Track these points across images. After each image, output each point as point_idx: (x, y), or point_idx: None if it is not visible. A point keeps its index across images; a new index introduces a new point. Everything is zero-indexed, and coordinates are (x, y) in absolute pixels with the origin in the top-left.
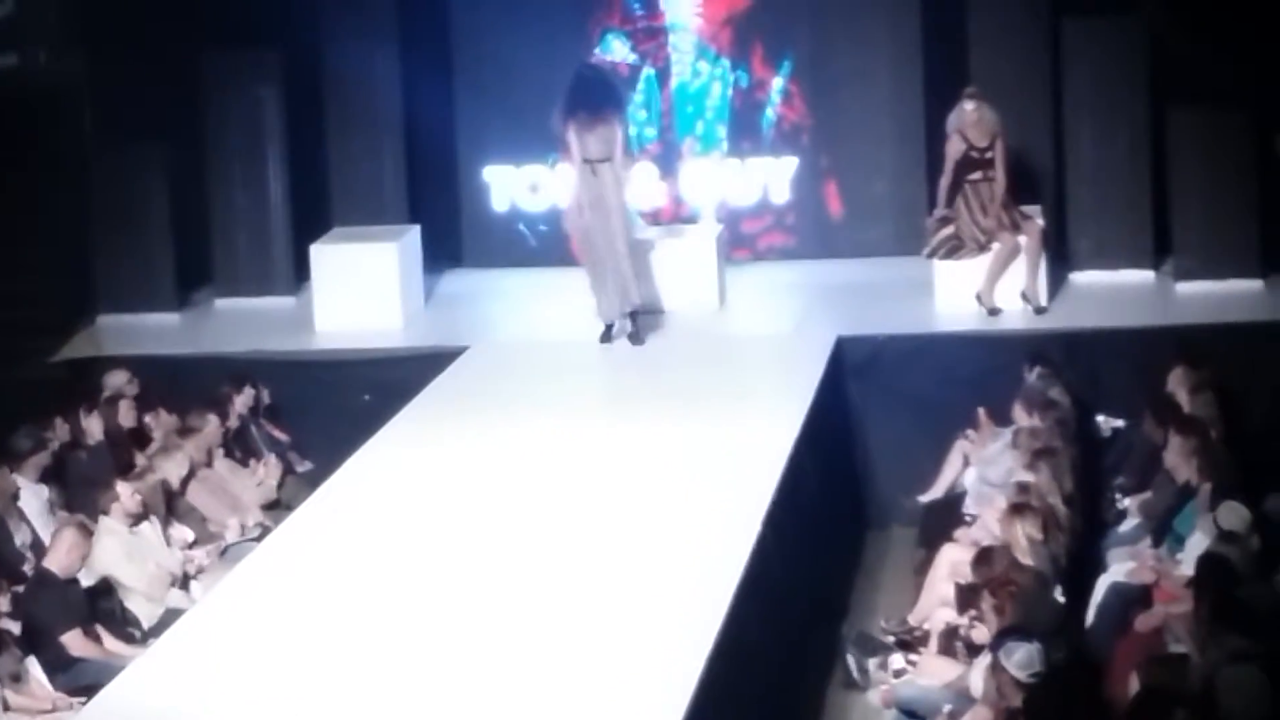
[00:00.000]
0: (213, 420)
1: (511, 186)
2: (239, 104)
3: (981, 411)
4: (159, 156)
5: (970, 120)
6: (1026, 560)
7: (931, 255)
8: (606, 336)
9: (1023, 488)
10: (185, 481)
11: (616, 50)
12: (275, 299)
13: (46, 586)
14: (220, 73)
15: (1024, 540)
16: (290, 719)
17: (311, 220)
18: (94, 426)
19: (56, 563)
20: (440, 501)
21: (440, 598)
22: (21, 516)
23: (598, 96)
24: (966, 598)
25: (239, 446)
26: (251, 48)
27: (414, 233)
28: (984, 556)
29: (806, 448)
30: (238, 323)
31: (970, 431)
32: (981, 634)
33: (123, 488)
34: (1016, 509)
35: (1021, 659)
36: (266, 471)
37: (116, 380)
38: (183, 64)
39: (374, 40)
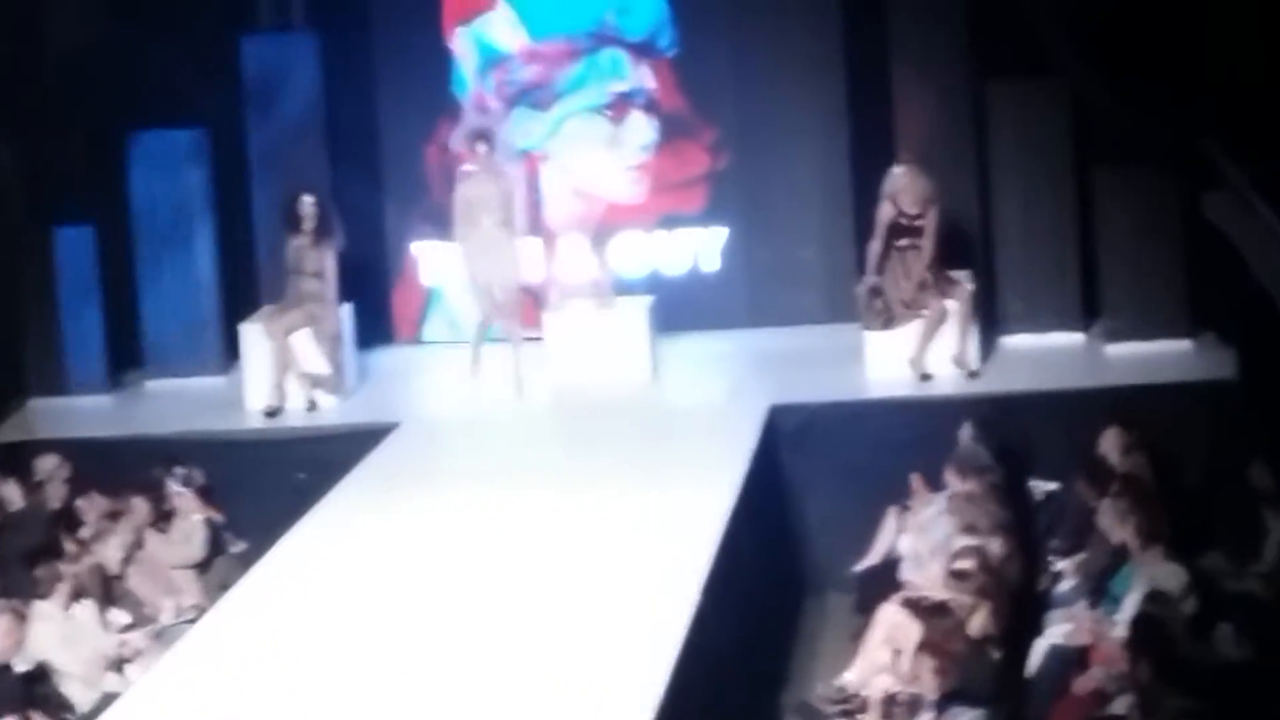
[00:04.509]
0: (142, 502)
1: (439, 261)
2: (166, 184)
3: (915, 477)
4: (87, 239)
5: (901, 185)
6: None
7: (868, 328)
8: None
9: (959, 552)
10: (123, 565)
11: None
12: (206, 379)
13: None
14: (147, 153)
15: (965, 602)
16: None
17: (241, 299)
18: (13, 494)
19: None
20: (375, 576)
21: (379, 671)
22: None
23: None
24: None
25: (167, 523)
26: (178, 127)
27: (344, 310)
28: (937, 610)
29: (742, 516)
30: (169, 403)
31: (907, 503)
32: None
33: (63, 569)
34: (954, 574)
35: None
36: (189, 527)
37: (48, 464)
38: (109, 145)
39: (299, 118)
